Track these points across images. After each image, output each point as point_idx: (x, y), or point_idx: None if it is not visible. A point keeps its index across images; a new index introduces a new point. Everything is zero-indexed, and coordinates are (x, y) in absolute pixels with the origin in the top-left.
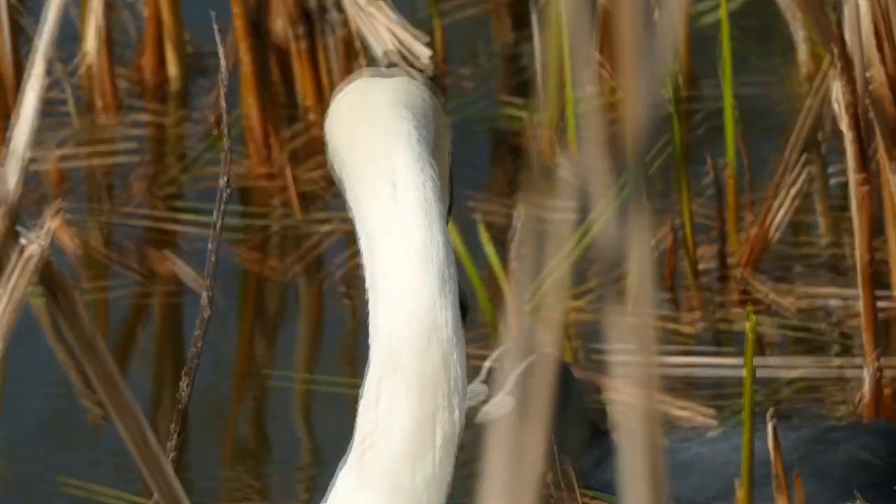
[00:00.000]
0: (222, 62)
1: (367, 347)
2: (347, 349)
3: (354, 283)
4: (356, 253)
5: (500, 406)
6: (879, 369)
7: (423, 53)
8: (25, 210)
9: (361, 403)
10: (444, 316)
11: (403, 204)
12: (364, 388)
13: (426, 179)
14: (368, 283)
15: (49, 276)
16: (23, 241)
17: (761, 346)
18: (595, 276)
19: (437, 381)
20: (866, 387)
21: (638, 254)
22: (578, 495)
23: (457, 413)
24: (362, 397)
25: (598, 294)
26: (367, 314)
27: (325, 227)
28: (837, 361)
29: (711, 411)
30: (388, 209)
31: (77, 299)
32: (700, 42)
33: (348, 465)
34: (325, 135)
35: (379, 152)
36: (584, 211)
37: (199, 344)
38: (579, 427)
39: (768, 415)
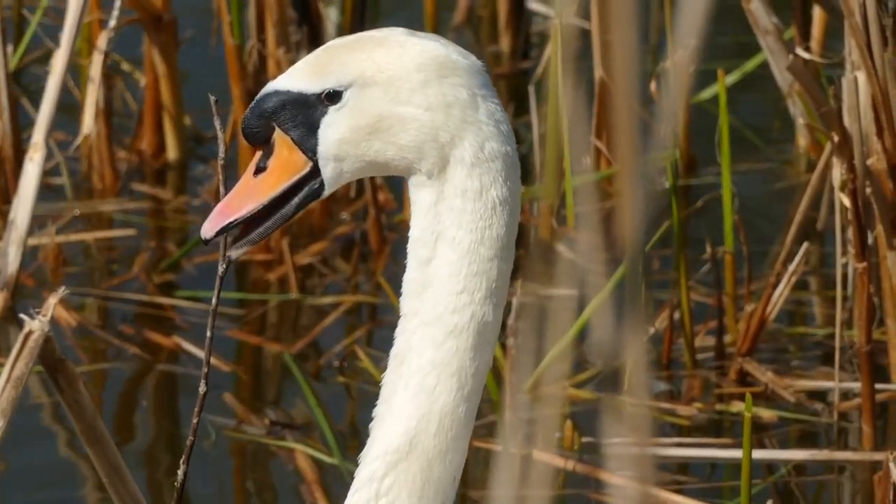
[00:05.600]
0: (221, 145)
1: (365, 422)
2: (347, 426)
3: (351, 362)
4: (353, 330)
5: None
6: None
7: None
8: (26, 287)
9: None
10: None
11: (492, 160)
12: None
13: (511, 145)
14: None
15: (50, 355)
16: (23, 317)
17: (759, 433)
18: (592, 361)
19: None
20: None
21: (634, 341)
22: None
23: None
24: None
25: (596, 380)
26: (364, 397)
27: (324, 300)
28: (837, 452)
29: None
30: (476, 165)
31: (77, 378)
32: (699, 121)
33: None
34: (398, 68)
35: (468, 111)
36: (582, 294)
37: (195, 421)
38: None
39: None
